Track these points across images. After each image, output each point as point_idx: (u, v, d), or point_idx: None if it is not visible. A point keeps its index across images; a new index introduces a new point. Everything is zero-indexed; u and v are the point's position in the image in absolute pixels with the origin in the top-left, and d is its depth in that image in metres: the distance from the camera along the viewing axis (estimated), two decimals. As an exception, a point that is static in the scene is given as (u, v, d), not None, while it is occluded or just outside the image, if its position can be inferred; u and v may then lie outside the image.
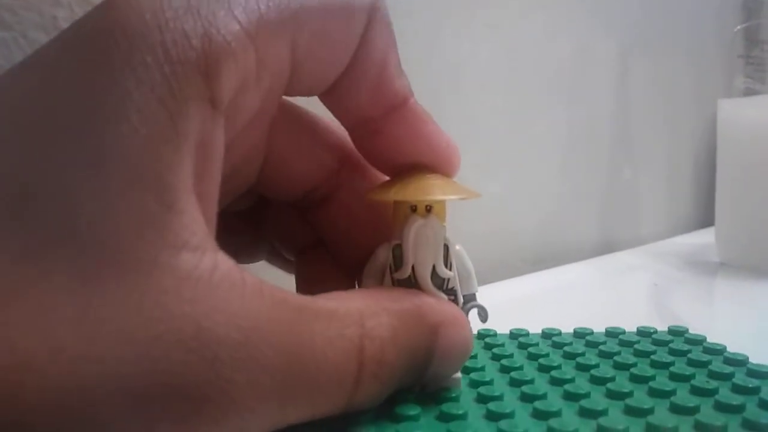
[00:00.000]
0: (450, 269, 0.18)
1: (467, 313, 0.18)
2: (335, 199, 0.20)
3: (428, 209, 0.17)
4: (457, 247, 0.18)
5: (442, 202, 0.18)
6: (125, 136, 0.11)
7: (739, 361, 0.20)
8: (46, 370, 0.10)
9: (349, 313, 0.13)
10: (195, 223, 0.12)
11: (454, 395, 0.17)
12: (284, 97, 0.17)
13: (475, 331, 0.23)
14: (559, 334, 0.24)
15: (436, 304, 0.16)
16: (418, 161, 0.17)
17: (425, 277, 0.17)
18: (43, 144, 0.11)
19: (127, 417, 0.11)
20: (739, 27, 0.46)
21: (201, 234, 0.12)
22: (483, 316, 0.19)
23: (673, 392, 0.18)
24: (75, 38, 0.12)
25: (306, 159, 0.19)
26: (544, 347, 0.22)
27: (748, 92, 0.45)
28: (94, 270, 0.11)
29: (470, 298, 0.18)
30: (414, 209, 0.17)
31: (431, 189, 0.17)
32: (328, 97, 0.17)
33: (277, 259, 0.23)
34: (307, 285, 0.21)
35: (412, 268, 0.17)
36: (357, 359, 0.13)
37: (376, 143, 0.18)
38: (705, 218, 0.62)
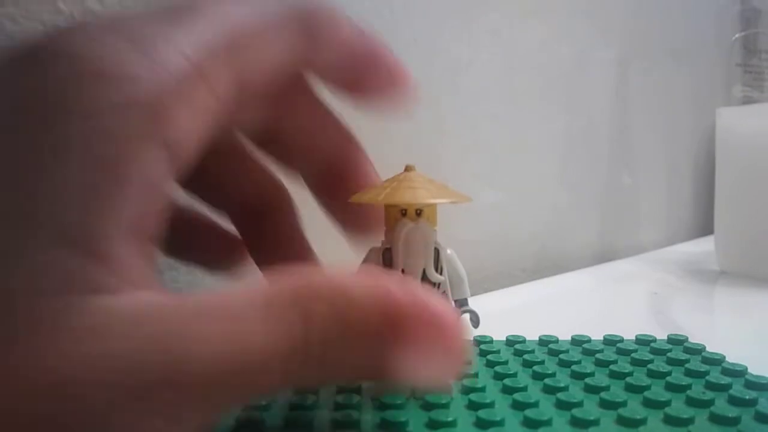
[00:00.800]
0: (441, 274, 0.17)
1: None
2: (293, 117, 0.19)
3: (418, 213, 0.17)
4: (449, 252, 0.18)
5: (433, 206, 0.18)
6: (53, 190, 0.11)
7: (738, 372, 0.20)
8: None
9: (282, 294, 0.12)
10: (119, 268, 0.12)
11: (444, 402, 0.17)
12: None
13: (470, 338, 0.23)
14: (556, 341, 0.24)
15: (398, 282, 0.12)
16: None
17: (415, 281, 0.17)
18: None
19: None
20: (737, 36, 0.45)
21: (124, 276, 0.12)
22: (475, 321, 0.18)
23: (667, 403, 0.17)
24: (16, 77, 0.12)
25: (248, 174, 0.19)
26: (540, 354, 0.22)
27: (747, 101, 0.45)
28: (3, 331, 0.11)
29: (462, 303, 0.18)
30: (404, 213, 0.17)
31: (421, 193, 0.17)
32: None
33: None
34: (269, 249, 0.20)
35: (402, 272, 0.17)
36: (300, 338, 0.12)
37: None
38: (704, 226, 0.62)
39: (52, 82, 0.12)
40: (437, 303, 0.12)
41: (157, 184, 0.12)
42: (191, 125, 0.13)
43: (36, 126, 0.12)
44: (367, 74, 0.17)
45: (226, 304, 0.12)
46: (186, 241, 0.20)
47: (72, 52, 0.12)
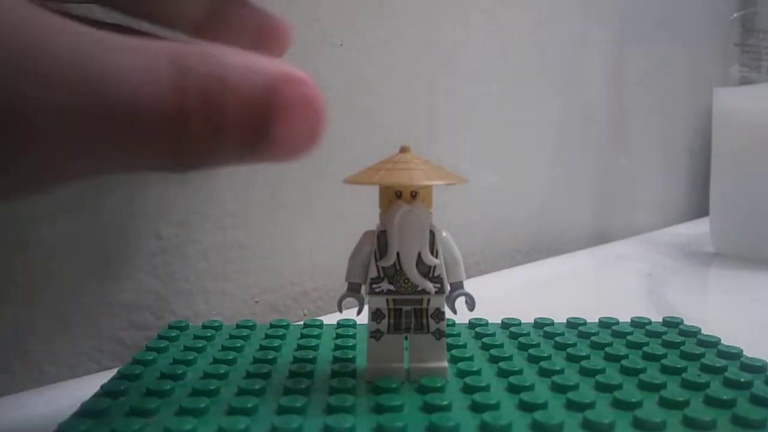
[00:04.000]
0: (436, 257, 0.17)
1: (454, 301, 0.18)
2: None
3: (414, 195, 0.17)
4: (444, 234, 0.18)
5: (428, 189, 0.17)
6: None
7: (733, 354, 0.20)
8: None
9: (162, 48, 0.12)
10: None
11: (439, 385, 0.17)
12: None
13: (465, 321, 0.23)
14: (552, 324, 0.24)
15: (274, 60, 0.13)
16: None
17: (410, 264, 0.17)
18: None
19: None
20: (735, 15, 0.45)
21: None
22: (470, 304, 0.18)
23: (663, 386, 0.17)
24: None
25: None
26: (536, 337, 0.22)
27: (744, 81, 0.45)
28: None
29: (457, 286, 0.18)
30: (399, 195, 0.17)
31: (417, 175, 0.17)
32: None
33: None
34: None
35: (397, 255, 0.17)
36: (177, 91, 0.12)
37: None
38: (699, 208, 0.62)
39: None
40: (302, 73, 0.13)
41: None
42: None
43: None
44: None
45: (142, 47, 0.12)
46: (225, 19, 0.19)
47: None
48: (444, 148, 0.39)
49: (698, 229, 0.53)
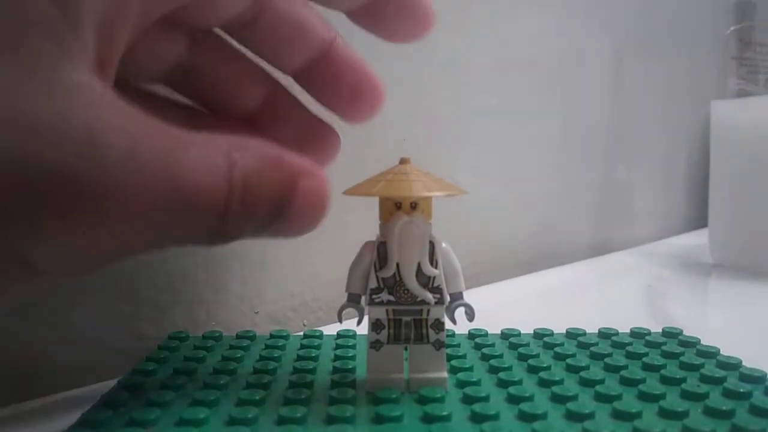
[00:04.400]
0: (436, 267, 0.17)
1: (453, 312, 0.18)
2: (263, 17, 0.20)
3: (413, 206, 0.17)
4: (444, 245, 0.18)
5: (428, 200, 0.17)
6: None
7: (732, 365, 0.20)
8: None
9: (219, 144, 0.14)
10: (89, 51, 0.12)
11: (439, 396, 0.17)
12: None
13: (465, 331, 0.23)
14: (551, 334, 0.24)
15: (298, 156, 0.16)
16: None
17: (410, 275, 0.17)
18: None
19: (8, 198, 0.11)
20: (732, 28, 0.45)
21: (92, 62, 0.12)
22: (470, 315, 0.18)
23: (662, 396, 0.17)
24: None
25: None
26: (535, 348, 0.22)
27: (741, 93, 0.45)
28: None
29: (457, 297, 0.18)
30: (399, 206, 0.17)
31: (417, 186, 0.17)
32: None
33: None
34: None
35: (397, 266, 0.17)
36: (227, 183, 0.14)
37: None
38: (698, 219, 0.62)
39: None
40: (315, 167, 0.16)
41: None
42: None
43: None
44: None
45: (205, 143, 0.14)
46: (276, 114, 0.22)
47: None
48: (444, 160, 0.39)
49: (697, 240, 0.53)
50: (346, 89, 0.21)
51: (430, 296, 0.17)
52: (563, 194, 0.51)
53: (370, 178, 0.18)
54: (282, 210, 0.15)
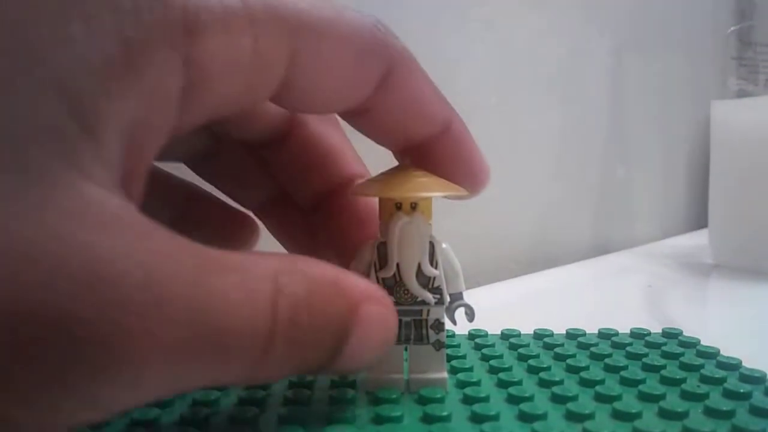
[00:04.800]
0: (436, 268, 0.17)
1: (454, 312, 0.18)
2: (292, 138, 0.19)
3: (413, 207, 0.17)
4: (444, 246, 0.18)
5: (428, 200, 0.17)
6: (57, 39, 0.10)
7: (732, 365, 0.20)
8: None
9: (263, 268, 0.12)
10: (110, 163, 0.11)
11: (439, 396, 0.17)
12: None
13: (465, 332, 0.23)
14: (551, 335, 0.24)
15: (360, 279, 0.14)
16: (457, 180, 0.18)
17: (410, 275, 0.17)
18: None
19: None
20: (732, 28, 0.45)
21: (113, 176, 0.11)
22: (470, 315, 0.18)
23: (662, 396, 0.17)
24: None
25: None
26: (535, 348, 0.22)
27: (741, 94, 0.45)
28: None
29: (457, 297, 0.18)
30: (399, 207, 0.17)
31: (416, 186, 0.17)
32: (355, 125, 0.17)
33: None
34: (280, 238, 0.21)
35: (397, 266, 0.17)
36: (271, 315, 0.11)
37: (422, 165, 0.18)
38: (698, 220, 0.62)
39: None
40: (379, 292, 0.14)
41: (166, 96, 0.11)
42: (220, 56, 0.12)
43: None
44: (445, 161, 0.18)
45: (246, 268, 0.12)
46: (196, 218, 0.20)
47: None
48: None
49: (697, 240, 0.53)
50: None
51: (430, 296, 0.17)
52: (563, 194, 0.51)
53: (371, 178, 0.18)
54: (337, 345, 0.13)
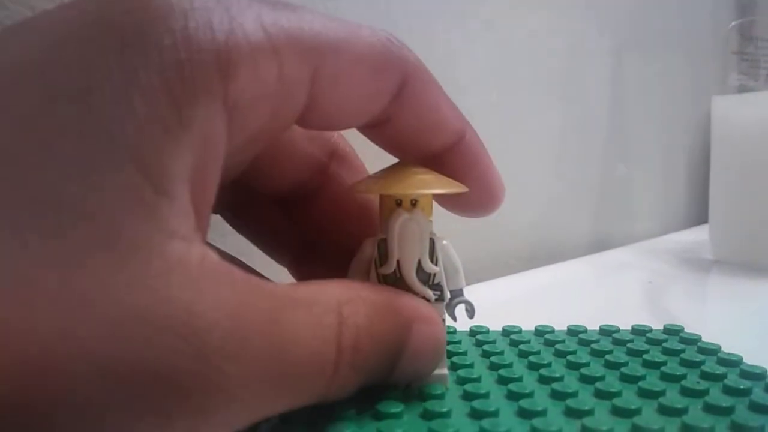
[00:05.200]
0: (436, 264, 0.17)
1: (454, 309, 0.18)
2: (323, 193, 0.20)
3: (413, 203, 0.17)
4: (444, 242, 0.18)
5: (428, 196, 0.17)
6: (123, 115, 0.11)
7: (733, 362, 0.20)
8: (17, 345, 0.09)
9: (327, 300, 0.13)
10: (186, 213, 0.11)
11: (439, 392, 0.17)
12: None
13: (466, 328, 0.23)
14: (553, 331, 0.24)
15: (411, 299, 0.16)
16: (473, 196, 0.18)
17: (410, 272, 0.17)
18: (33, 111, 0.11)
19: (105, 403, 0.10)
20: (733, 24, 0.45)
21: (191, 224, 0.12)
22: (470, 312, 0.18)
23: (662, 393, 0.17)
24: (91, 7, 0.12)
25: (297, 152, 0.19)
26: (536, 345, 0.22)
27: (742, 89, 0.45)
28: (79, 244, 0.10)
29: (457, 294, 0.18)
30: (399, 203, 0.17)
31: (417, 183, 0.17)
32: (373, 138, 0.18)
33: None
34: None
35: (397, 263, 0.17)
36: (336, 346, 0.13)
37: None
38: (699, 215, 0.62)
39: (132, 9, 0.11)
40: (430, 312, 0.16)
41: (212, 142, 0.12)
42: (253, 93, 0.13)
43: (109, 55, 0.11)
44: (459, 173, 0.18)
45: (312, 301, 0.13)
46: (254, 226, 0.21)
47: None
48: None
49: (697, 236, 0.53)
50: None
51: (430, 293, 0.17)
52: (563, 191, 0.51)
53: (371, 175, 0.18)
54: (393, 362, 0.15)
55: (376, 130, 0.17)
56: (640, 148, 0.60)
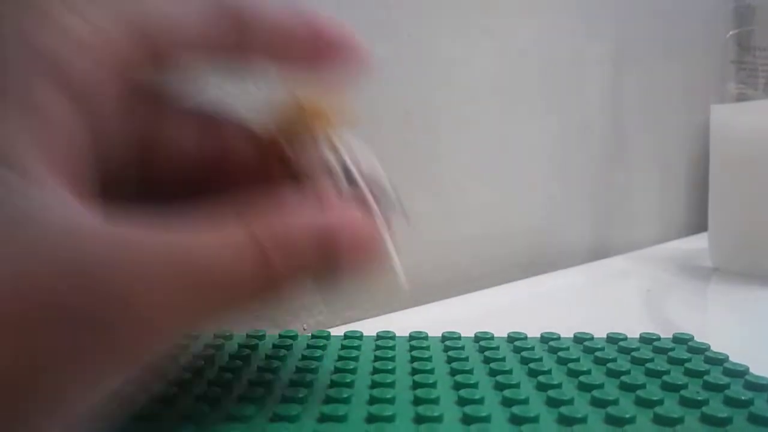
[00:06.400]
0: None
1: None
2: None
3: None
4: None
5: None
6: None
7: (738, 372, 0.20)
8: None
9: (234, 221, 0.13)
10: (43, 178, 0.12)
11: (433, 397, 0.17)
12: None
13: (471, 334, 0.23)
14: (558, 338, 0.24)
15: (330, 208, 0.15)
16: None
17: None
18: None
19: (8, 347, 0.10)
20: (731, 33, 0.45)
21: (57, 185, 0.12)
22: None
23: (659, 402, 0.17)
24: None
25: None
26: (539, 351, 0.22)
27: (741, 98, 0.45)
28: None
29: None
30: None
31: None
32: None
33: None
34: None
35: None
36: (250, 241, 0.12)
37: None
38: (698, 223, 0.62)
39: None
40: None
41: (62, 125, 0.12)
42: (95, 77, 0.13)
43: None
44: (313, 49, 0.17)
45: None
46: None
47: None
48: (443, 164, 0.39)
49: (697, 244, 0.53)
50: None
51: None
52: (562, 198, 0.51)
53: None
54: (328, 272, 0.14)
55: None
56: (639, 156, 0.60)
